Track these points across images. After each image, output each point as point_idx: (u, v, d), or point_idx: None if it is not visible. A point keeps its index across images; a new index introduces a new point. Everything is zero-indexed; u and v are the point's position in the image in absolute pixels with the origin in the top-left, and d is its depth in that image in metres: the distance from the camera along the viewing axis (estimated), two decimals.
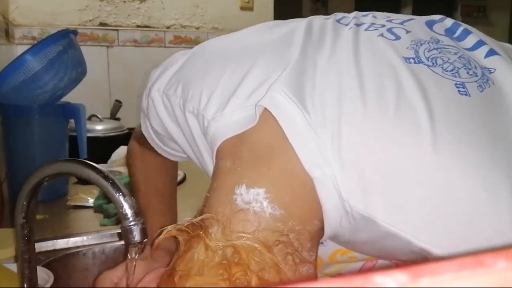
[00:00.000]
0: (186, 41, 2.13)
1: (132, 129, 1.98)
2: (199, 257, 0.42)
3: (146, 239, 0.54)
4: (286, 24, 0.57)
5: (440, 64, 0.49)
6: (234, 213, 0.44)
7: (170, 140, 0.62)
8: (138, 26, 2.05)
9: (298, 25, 0.56)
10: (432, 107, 0.45)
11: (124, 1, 2.01)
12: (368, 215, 0.43)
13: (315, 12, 4.59)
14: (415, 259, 0.47)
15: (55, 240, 0.91)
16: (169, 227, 0.44)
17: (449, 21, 0.57)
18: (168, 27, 2.11)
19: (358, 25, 0.54)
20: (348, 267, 0.61)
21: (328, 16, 0.59)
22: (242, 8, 2.23)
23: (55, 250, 0.90)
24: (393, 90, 0.46)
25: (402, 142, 0.44)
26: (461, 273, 0.15)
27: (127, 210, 0.52)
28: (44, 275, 0.70)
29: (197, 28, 2.16)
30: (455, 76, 0.48)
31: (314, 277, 0.47)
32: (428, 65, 0.48)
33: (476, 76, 0.49)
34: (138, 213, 0.53)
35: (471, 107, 0.46)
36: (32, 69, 1.07)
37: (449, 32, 0.55)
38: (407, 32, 0.53)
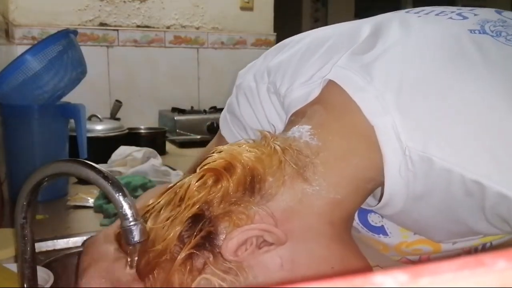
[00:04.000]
0: (186, 41, 2.13)
1: (133, 129, 1.96)
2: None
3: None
4: (364, 20, 0.64)
5: (504, 36, 0.52)
6: (284, 138, 0.54)
7: (245, 131, 0.71)
8: (138, 26, 2.05)
9: (370, 19, 0.62)
10: (489, 62, 0.49)
11: (124, 1, 2.02)
12: (426, 153, 0.47)
13: (315, 12, 4.58)
14: (458, 233, 0.53)
15: (55, 240, 0.91)
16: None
17: None
18: (168, 27, 2.11)
19: (428, 13, 0.58)
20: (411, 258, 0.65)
21: (405, 10, 0.63)
22: (242, 8, 2.23)
23: (55, 250, 0.90)
24: (453, 50, 0.51)
25: (455, 85, 0.48)
26: (461, 273, 0.15)
27: (127, 210, 0.52)
28: (44, 275, 0.70)
29: (197, 28, 2.16)
30: None
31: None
32: (492, 36, 0.52)
33: None
34: (138, 213, 0.53)
35: None
36: (32, 69, 1.07)
37: None
38: (475, 15, 0.56)
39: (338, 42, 0.59)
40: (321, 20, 4.49)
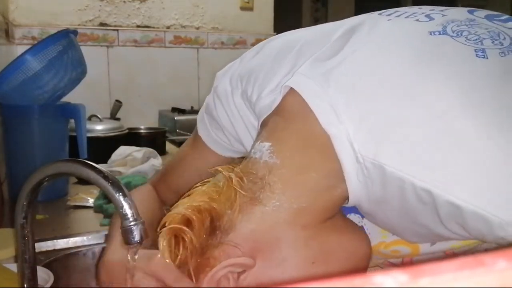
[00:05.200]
0: (186, 41, 2.13)
1: (133, 129, 1.96)
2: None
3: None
4: (338, 22, 0.64)
5: (464, 36, 0.52)
6: (246, 161, 0.57)
7: (224, 134, 0.72)
8: (138, 26, 2.05)
9: (343, 21, 0.62)
10: (443, 65, 0.49)
11: (124, 1, 2.02)
12: (377, 162, 0.48)
13: (315, 12, 4.58)
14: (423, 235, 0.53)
15: (55, 240, 0.91)
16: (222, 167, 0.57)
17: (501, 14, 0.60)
18: (168, 27, 2.11)
19: (400, 15, 0.59)
20: (391, 261, 0.65)
21: (379, 12, 0.63)
22: (242, 8, 2.23)
23: (55, 250, 0.90)
24: (409, 54, 0.51)
25: (407, 92, 0.49)
26: (461, 273, 0.15)
27: (127, 210, 0.52)
28: (44, 275, 0.70)
29: (197, 28, 2.16)
30: (477, 44, 0.51)
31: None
32: (451, 36, 0.52)
33: (502, 45, 0.52)
34: (138, 213, 0.53)
35: (486, 67, 0.49)
36: (32, 69, 1.07)
37: (492, 15, 0.58)
38: (443, 16, 0.56)
39: (306, 47, 0.59)
40: (321, 20, 4.48)
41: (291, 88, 0.55)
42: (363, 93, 0.51)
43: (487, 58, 0.49)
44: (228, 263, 0.51)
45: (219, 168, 0.57)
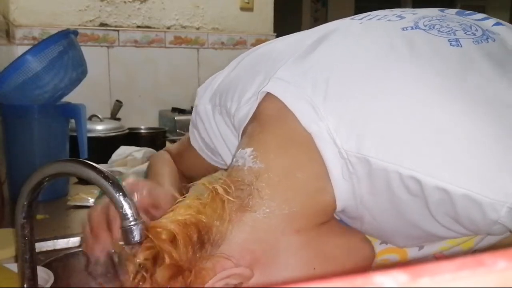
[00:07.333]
0: (186, 41, 2.13)
1: (133, 129, 1.96)
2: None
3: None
4: (311, 30, 0.64)
5: (437, 28, 0.53)
6: (229, 171, 0.56)
7: (209, 147, 0.72)
8: (138, 27, 2.05)
9: (317, 28, 0.63)
10: (418, 57, 0.49)
11: (125, 2, 2.02)
12: (361, 155, 0.47)
13: (315, 12, 4.58)
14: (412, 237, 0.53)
15: (55, 240, 0.91)
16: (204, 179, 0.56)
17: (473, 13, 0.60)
18: (168, 28, 2.11)
19: (371, 18, 0.59)
20: None
21: (351, 17, 0.64)
22: (242, 9, 2.23)
23: (55, 250, 0.90)
24: (383, 49, 0.52)
25: (383, 84, 0.49)
26: (461, 273, 0.15)
27: (127, 210, 0.52)
28: (44, 275, 0.70)
29: (197, 29, 2.16)
30: (450, 35, 0.52)
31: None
32: (424, 29, 0.53)
33: (474, 35, 0.52)
34: (138, 213, 0.53)
35: (461, 53, 0.49)
36: (32, 70, 1.07)
37: (463, 12, 0.59)
38: (414, 14, 0.57)
39: (281, 55, 0.60)
40: (321, 20, 4.48)
41: (268, 94, 0.55)
42: (340, 89, 0.51)
43: (461, 46, 0.50)
44: (225, 274, 0.49)
45: (201, 182, 0.55)
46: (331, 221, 0.55)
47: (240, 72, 0.64)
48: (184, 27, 2.14)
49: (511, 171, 0.43)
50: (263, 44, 0.68)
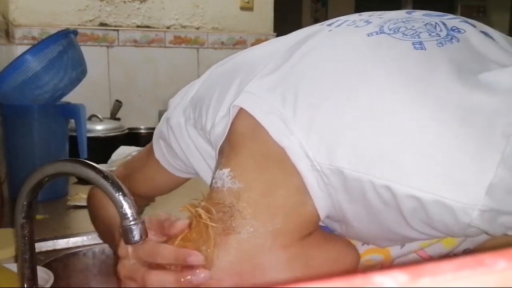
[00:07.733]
0: (186, 41, 2.13)
1: (133, 129, 1.96)
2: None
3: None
4: (286, 37, 0.63)
5: (402, 31, 0.53)
6: (209, 193, 0.55)
7: (180, 159, 0.70)
8: (138, 26, 2.05)
9: (287, 37, 0.62)
10: (383, 62, 0.50)
11: (124, 1, 2.01)
12: (334, 166, 0.48)
13: (315, 12, 4.58)
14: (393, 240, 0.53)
15: (55, 240, 0.91)
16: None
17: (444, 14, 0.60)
18: (168, 27, 2.11)
19: (340, 24, 0.59)
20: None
21: (321, 23, 0.64)
22: (242, 8, 2.23)
23: (55, 250, 0.90)
24: (348, 58, 0.52)
25: (350, 95, 0.49)
26: (461, 273, 0.15)
27: (127, 210, 0.52)
28: (44, 275, 0.70)
29: (197, 28, 2.16)
30: (414, 37, 0.52)
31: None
32: (389, 34, 0.53)
33: (439, 36, 0.53)
34: (138, 212, 0.53)
35: (424, 57, 0.50)
36: (32, 69, 1.07)
37: (430, 13, 0.59)
38: (381, 18, 0.57)
39: (252, 67, 0.59)
40: (321, 20, 4.48)
41: (241, 109, 0.54)
42: (308, 101, 0.50)
43: (425, 49, 0.50)
44: None
45: (185, 207, 0.54)
46: (315, 231, 0.55)
47: (212, 85, 0.63)
48: (184, 26, 2.14)
49: (480, 174, 0.43)
50: (238, 53, 0.68)
